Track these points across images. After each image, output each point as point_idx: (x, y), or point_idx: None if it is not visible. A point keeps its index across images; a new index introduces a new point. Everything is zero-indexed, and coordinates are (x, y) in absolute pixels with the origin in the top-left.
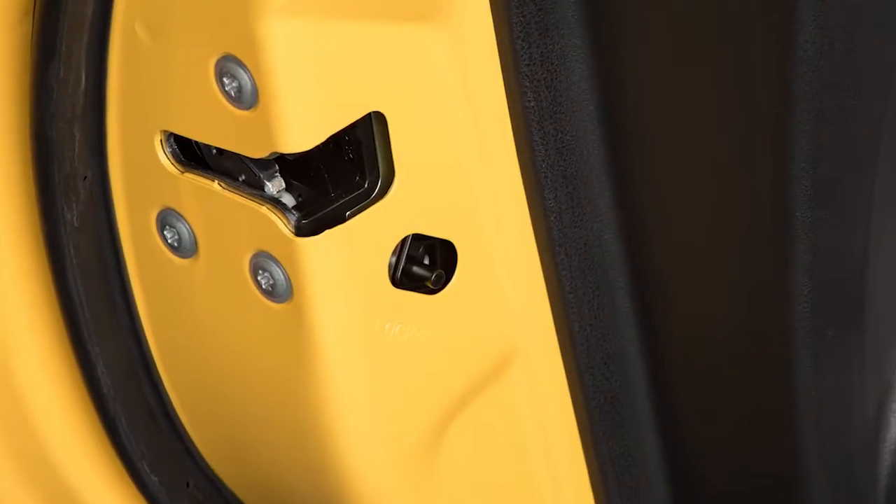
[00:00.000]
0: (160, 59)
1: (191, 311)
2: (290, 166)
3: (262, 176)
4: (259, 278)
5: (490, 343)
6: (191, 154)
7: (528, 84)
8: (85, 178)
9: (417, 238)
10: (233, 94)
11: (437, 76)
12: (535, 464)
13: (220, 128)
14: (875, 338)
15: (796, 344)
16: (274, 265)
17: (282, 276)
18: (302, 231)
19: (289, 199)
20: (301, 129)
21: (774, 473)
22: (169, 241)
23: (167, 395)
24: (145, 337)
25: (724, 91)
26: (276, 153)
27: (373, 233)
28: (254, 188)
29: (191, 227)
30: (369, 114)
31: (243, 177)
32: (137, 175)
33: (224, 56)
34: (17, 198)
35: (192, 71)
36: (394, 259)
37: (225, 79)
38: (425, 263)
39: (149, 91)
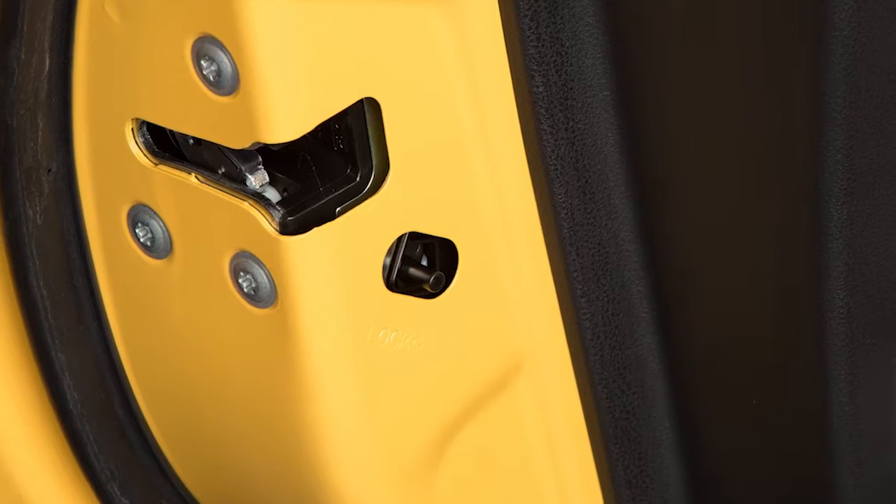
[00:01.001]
0: (132, 41)
1: (165, 317)
2: (275, 158)
3: (243, 168)
4: (240, 281)
5: (494, 352)
6: (165, 145)
7: (535, 67)
8: (49, 170)
9: (414, 237)
10: (211, 78)
11: (436, 59)
12: (544, 484)
13: (197, 115)
14: None
15: (831, 354)
16: (256, 267)
17: (265, 279)
18: (287, 229)
19: (273, 194)
20: (286, 117)
21: (806, 496)
22: (141, 239)
23: (139, 410)
24: (115, 345)
25: (752, 75)
26: (258, 143)
27: (365, 231)
28: (234, 182)
29: (165, 225)
30: (361, 100)
31: (223, 169)
32: (107, 168)
33: (202, 37)
34: None
35: (166, 53)
36: (388, 260)
37: (203, 62)
38: (423, 265)
39: (119, 75)
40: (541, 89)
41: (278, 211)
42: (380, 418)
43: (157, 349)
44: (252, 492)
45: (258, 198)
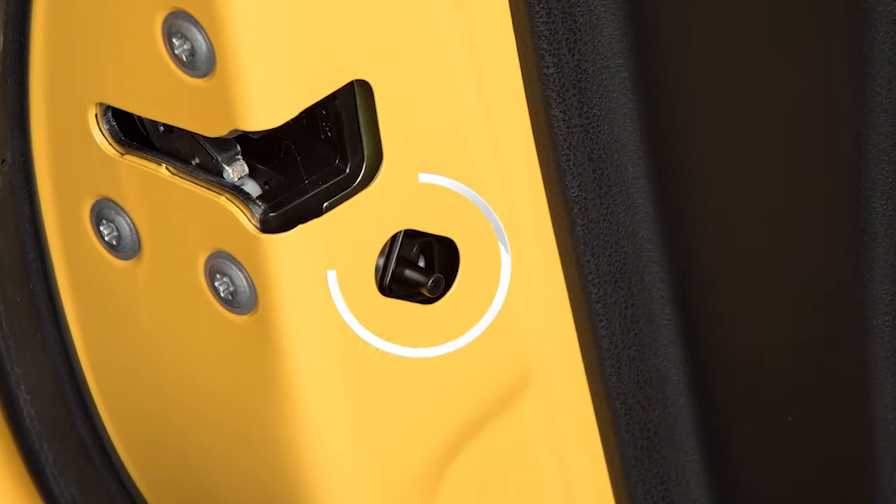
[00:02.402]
0: (95, 16)
1: (132, 325)
2: (255, 148)
3: (220, 159)
4: (217, 284)
5: (499, 364)
6: (133, 133)
7: (546, 46)
8: (3, 161)
9: (411, 235)
10: (184, 58)
11: (435, 37)
12: None
13: (168, 100)
14: None
15: (875, 365)
16: (234, 268)
17: (244, 282)
18: (269, 226)
19: (253, 188)
20: (268, 102)
21: None
22: (106, 238)
23: (103, 428)
24: (77, 356)
25: (787, 54)
26: (237, 131)
27: (355, 228)
28: (210, 174)
29: (133, 222)
30: (352, 83)
31: (197, 160)
32: (67, 158)
33: (173, 12)
34: None
35: (134, 30)
36: (382, 261)
37: (175, 39)
38: (420, 266)
39: (81, 55)
40: (551, 70)
41: (259, 206)
42: (371, 438)
43: (123, 360)
44: None
45: (236, 191)
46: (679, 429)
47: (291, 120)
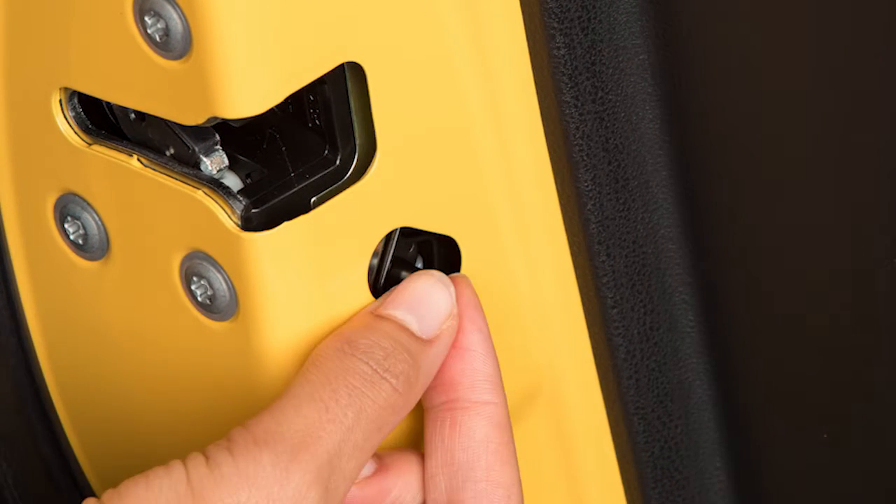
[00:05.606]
0: None
1: (101, 332)
2: (235, 137)
3: (197, 149)
4: (193, 288)
5: (505, 375)
6: (101, 120)
7: (556, 25)
8: None
9: (407, 234)
10: (158, 38)
11: (434, 15)
12: None
13: (140, 84)
14: None
15: None
16: (213, 270)
17: (223, 286)
18: (250, 224)
19: (233, 181)
20: (249, 87)
21: None
22: (71, 237)
23: (69, 446)
24: (39, 367)
25: (829, 28)
26: (215, 119)
27: (346, 226)
28: (186, 166)
29: (101, 219)
30: (342, 66)
31: (172, 150)
32: (28, 149)
33: None
34: None
35: (103, 7)
36: (376, 261)
37: (147, 18)
38: (418, 268)
39: (45, 35)
40: (562, 52)
41: (239, 201)
42: None
43: (90, 371)
44: None
45: (215, 185)
46: (703, 447)
47: (276, 107)
